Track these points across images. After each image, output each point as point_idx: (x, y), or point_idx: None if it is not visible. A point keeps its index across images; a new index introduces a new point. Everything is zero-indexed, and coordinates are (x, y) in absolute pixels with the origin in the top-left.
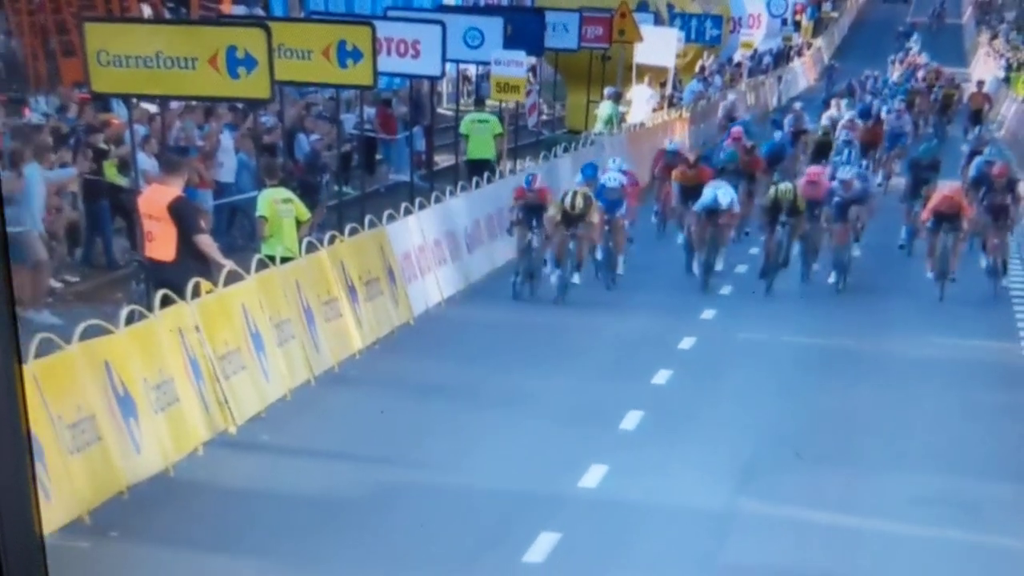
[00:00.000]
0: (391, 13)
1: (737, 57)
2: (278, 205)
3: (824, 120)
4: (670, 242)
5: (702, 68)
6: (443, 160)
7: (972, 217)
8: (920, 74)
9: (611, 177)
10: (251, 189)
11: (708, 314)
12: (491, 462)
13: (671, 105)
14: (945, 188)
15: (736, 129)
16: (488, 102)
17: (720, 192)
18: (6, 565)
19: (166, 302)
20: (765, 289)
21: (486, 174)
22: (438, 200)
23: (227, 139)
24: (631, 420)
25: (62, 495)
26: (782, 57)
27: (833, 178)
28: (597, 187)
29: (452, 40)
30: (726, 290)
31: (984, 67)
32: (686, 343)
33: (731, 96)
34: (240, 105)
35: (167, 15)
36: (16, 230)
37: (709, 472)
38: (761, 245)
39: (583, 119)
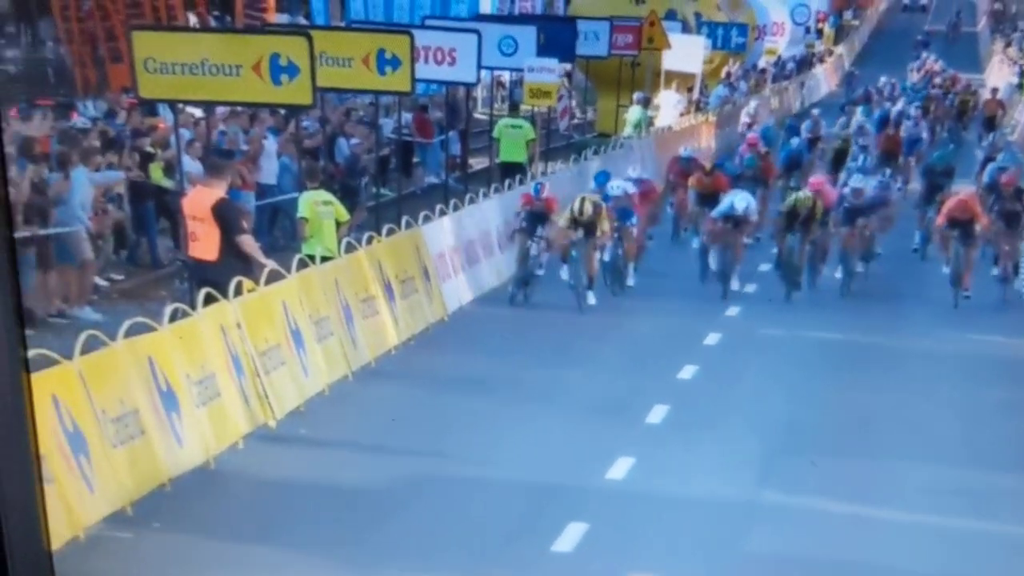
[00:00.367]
0: (429, 22)
1: (762, 63)
2: (318, 207)
3: (837, 127)
4: (685, 247)
5: (728, 74)
6: (477, 163)
7: (985, 225)
8: (937, 80)
9: (615, 186)
10: (292, 191)
11: (733, 311)
12: (521, 454)
13: (698, 109)
14: (959, 193)
15: (752, 136)
16: (521, 107)
17: (736, 199)
18: None
19: (209, 300)
20: (785, 296)
21: (518, 176)
22: (472, 201)
23: (270, 143)
24: (657, 414)
25: (106, 487)
26: (805, 63)
27: (846, 185)
28: (602, 196)
29: (487, 48)
30: (750, 288)
31: (998, 74)
32: (711, 339)
33: (753, 102)
34: (282, 110)
35: (212, 23)
36: (63, 231)
37: (732, 464)
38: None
39: (613, 123)
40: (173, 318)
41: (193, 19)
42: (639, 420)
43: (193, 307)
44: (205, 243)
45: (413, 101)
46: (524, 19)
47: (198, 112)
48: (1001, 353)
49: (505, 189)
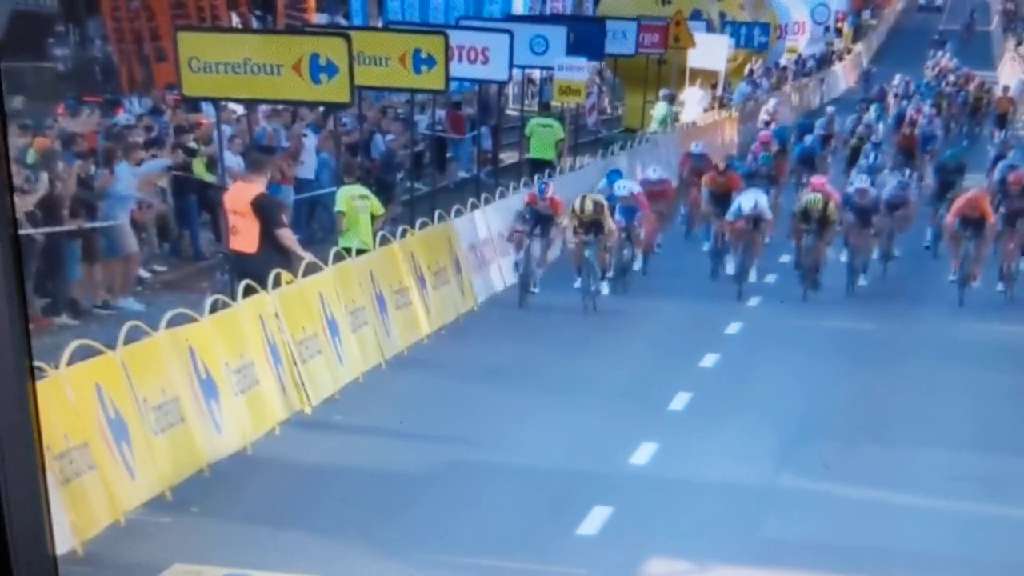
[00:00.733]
0: (463, 22)
1: (783, 61)
2: (355, 201)
3: (848, 124)
4: (698, 245)
5: (750, 71)
6: (508, 158)
7: (992, 223)
8: (951, 78)
9: (620, 186)
10: (330, 186)
11: (753, 301)
12: (547, 440)
13: (721, 106)
14: (970, 191)
15: (764, 134)
16: (551, 103)
17: (744, 199)
18: None
19: (248, 292)
20: (802, 296)
21: (547, 172)
22: (502, 195)
23: (310, 139)
24: (680, 401)
25: (146, 473)
26: (824, 61)
27: (852, 184)
28: (609, 195)
29: (519, 47)
30: (771, 278)
31: (1010, 71)
32: (733, 328)
33: (772, 101)
34: (321, 108)
35: (254, 23)
36: (108, 224)
37: (752, 450)
38: (792, 251)
39: (639, 118)
40: (214, 309)
41: (236, 19)
42: (662, 407)
43: (233, 298)
44: (245, 236)
45: (446, 98)
46: (555, 19)
47: (239, 109)
48: (1011, 342)
49: (535, 183)
